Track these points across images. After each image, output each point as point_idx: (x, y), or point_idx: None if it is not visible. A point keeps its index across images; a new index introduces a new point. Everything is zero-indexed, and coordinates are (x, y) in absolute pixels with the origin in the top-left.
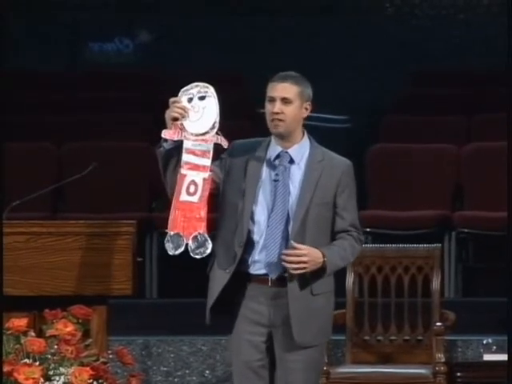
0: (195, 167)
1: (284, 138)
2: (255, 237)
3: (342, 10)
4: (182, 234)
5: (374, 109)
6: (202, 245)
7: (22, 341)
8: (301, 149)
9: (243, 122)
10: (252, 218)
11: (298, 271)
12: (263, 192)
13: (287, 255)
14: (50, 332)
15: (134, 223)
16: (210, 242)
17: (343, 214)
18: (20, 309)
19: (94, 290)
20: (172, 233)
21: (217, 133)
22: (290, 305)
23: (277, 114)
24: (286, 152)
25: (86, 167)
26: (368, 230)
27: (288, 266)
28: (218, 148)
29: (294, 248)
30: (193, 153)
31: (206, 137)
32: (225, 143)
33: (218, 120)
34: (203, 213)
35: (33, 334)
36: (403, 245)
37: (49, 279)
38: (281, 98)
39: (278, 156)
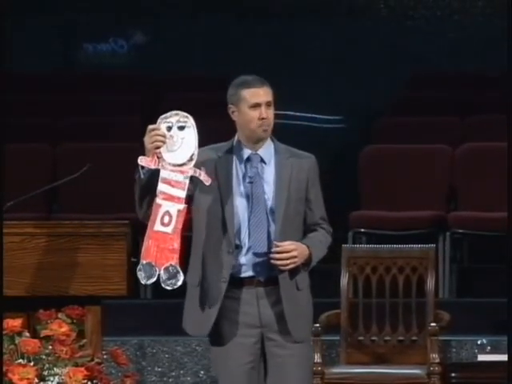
0: (170, 198)
1: (260, 140)
2: (240, 241)
3: (336, 12)
4: (154, 263)
5: (368, 110)
6: (173, 276)
7: (17, 341)
8: (268, 148)
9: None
10: (234, 224)
11: (290, 267)
12: (239, 196)
13: (277, 253)
14: (44, 332)
15: (128, 224)
16: (181, 274)
17: (313, 207)
18: (14, 309)
19: (89, 291)
20: (144, 262)
21: (199, 168)
22: (284, 302)
23: (264, 119)
24: (256, 153)
25: (81, 168)
26: (362, 230)
27: (279, 263)
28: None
29: (279, 247)
30: (168, 183)
31: (183, 168)
32: (206, 179)
33: (196, 152)
34: (176, 244)
35: (27, 334)
36: (397, 245)
37: (43, 280)
38: (265, 102)
39: (248, 158)
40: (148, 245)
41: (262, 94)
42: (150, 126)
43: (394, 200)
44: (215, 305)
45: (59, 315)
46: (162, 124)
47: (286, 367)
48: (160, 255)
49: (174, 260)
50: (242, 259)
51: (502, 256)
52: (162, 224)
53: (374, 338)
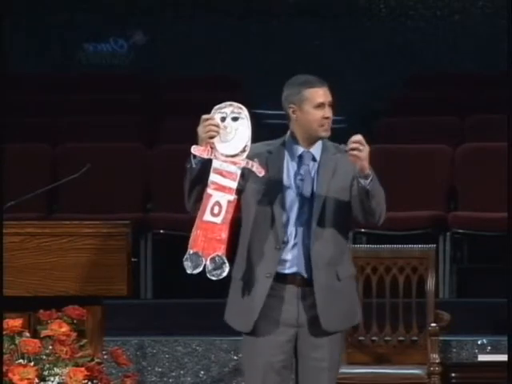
0: (221, 188)
1: (320, 139)
2: (287, 237)
3: (336, 12)
4: (201, 253)
5: (369, 110)
6: (219, 267)
7: (17, 341)
8: (319, 146)
9: None
10: (283, 220)
11: (357, 151)
12: (289, 192)
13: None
14: (44, 332)
15: (128, 224)
16: (227, 265)
17: None
18: (15, 309)
19: (89, 291)
20: (191, 251)
21: (251, 159)
22: (317, 293)
23: (327, 118)
24: (309, 151)
25: (80, 168)
26: (362, 230)
27: (353, 145)
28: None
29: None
30: (220, 173)
31: (236, 159)
32: (259, 171)
33: (249, 144)
34: (224, 235)
35: (28, 334)
36: (398, 245)
37: (44, 280)
38: (328, 102)
39: (300, 156)
40: (196, 234)
41: (324, 93)
42: (204, 116)
43: (394, 200)
44: (259, 302)
45: (59, 315)
46: (216, 114)
47: (316, 371)
48: (207, 245)
49: (221, 250)
50: (288, 255)
51: (502, 256)
52: (212, 214)
53: (374, 338)
